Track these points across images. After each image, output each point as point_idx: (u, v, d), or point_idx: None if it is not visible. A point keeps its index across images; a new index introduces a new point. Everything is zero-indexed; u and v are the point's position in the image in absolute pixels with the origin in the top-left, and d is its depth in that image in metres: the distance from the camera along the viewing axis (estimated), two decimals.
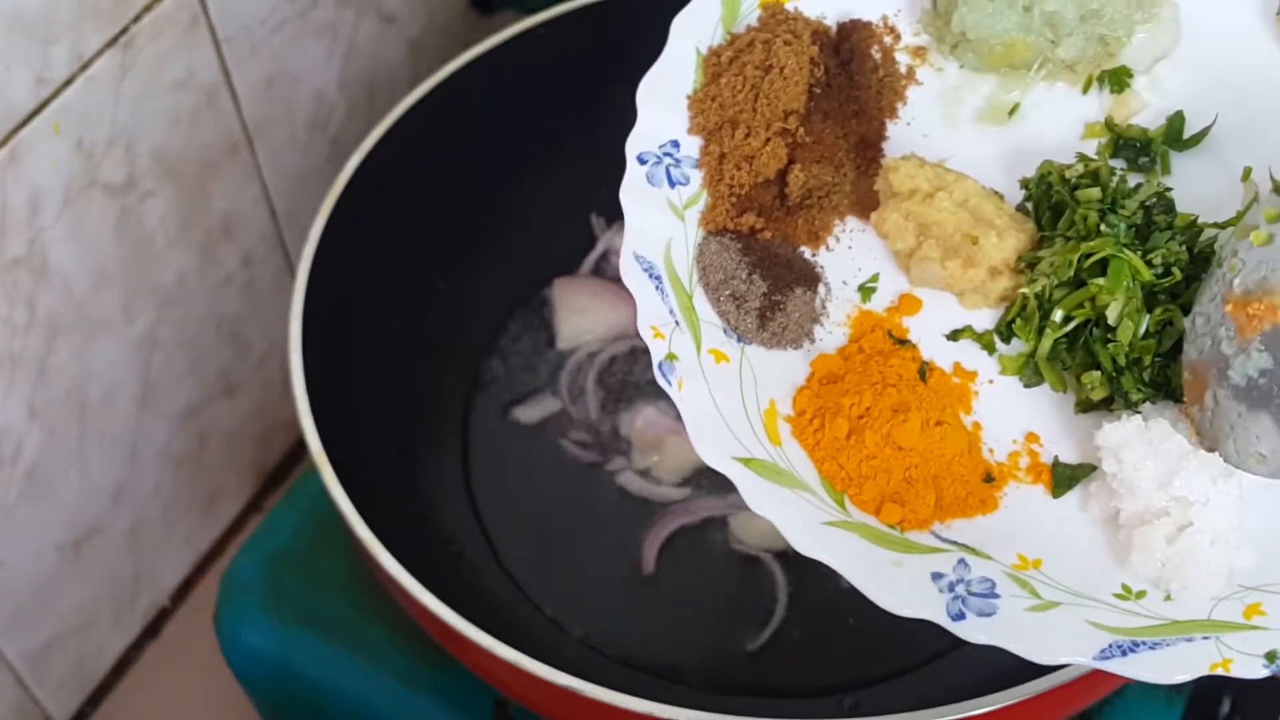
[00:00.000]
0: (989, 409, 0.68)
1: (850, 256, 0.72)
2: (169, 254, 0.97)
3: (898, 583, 0.61)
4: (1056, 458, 0.67)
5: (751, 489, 0.62)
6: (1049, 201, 0.71)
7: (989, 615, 0.60)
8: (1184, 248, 0.67)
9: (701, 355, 0.66)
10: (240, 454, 1.16)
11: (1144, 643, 0.60)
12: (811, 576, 0.89)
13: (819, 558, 0.61)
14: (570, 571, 0.92)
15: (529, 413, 0.98)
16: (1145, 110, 0.75)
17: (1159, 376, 0.66)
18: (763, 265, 0.68)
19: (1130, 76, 0.75)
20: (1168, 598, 0.62)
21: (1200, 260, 0.67)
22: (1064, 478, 0.66)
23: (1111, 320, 0.66)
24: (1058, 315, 0.67)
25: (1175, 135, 0.74)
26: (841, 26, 0.75)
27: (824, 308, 0.70)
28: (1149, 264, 0.66)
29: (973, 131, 0.76)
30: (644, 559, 0.91)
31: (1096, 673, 0.62)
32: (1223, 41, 0.76)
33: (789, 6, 0.74)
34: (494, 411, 0.99)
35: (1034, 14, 0.73)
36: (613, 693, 0.70)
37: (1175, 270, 0.66)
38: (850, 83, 0.74)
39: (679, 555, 0.92)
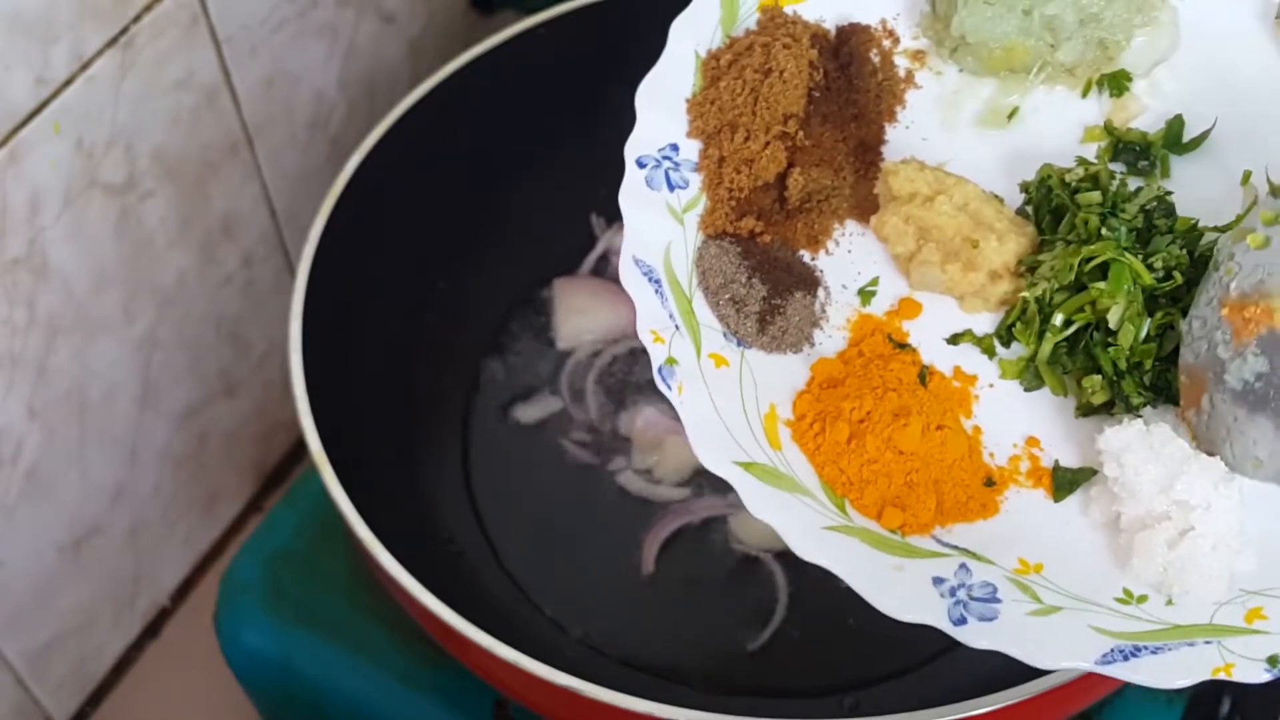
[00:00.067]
0: (989, 413, 0.68)
1: (850, 260, 0.72)
2: (169, 254, 0.97)
3: (899, 588, 0.61)
4: (1057, 462, 0.67)
5: (752, 493, 0.62)
6: (1049, 205, 0.71)
7: (990, 620, 0.60)
8: (1185, 251, 0.67)
9: (701, 359, 0.66)
10: (240, 454, 1.16)
11: (1146, 647, 0.60)
12: (812, 576, 0.88)
13: (820, 563, 0.61)
14: (570, 571, 0.92)
15: (529, 413, 0.98)
16: (1145, 114, 0.75)
17: (1160, 380, 0.66)
18: (762, 269, 0.68)
19: (1129, 80, 0.75)
20: (1169, 602, 0.62)
21: (1201, 264, 0.67)
22: (1065, 482, 0.66)
23: (1113, 324, 0.66)
24: (1058, 319, 0.67)
25: (1175, 139, 0.74)
26: (840, 30, 0.75)
27: (824, 312, 0.70)
28: (1150, 268, 0.66)
29: (972, 135, 0.75)
30: (644, 559, 0.91)
31: (1096, 674, 0.62)
32: (1222, 45, 0.76)
33: (788, 10, 0.74)
34: (494, 411, 0.99)
35: (1033, 18, 0.73)
36: (613, 693, 0.70)
37: (1176, 274, 0.66)
38: (849, 86, 0.74)
39: (679, 555, 0.92)
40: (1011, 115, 0.76)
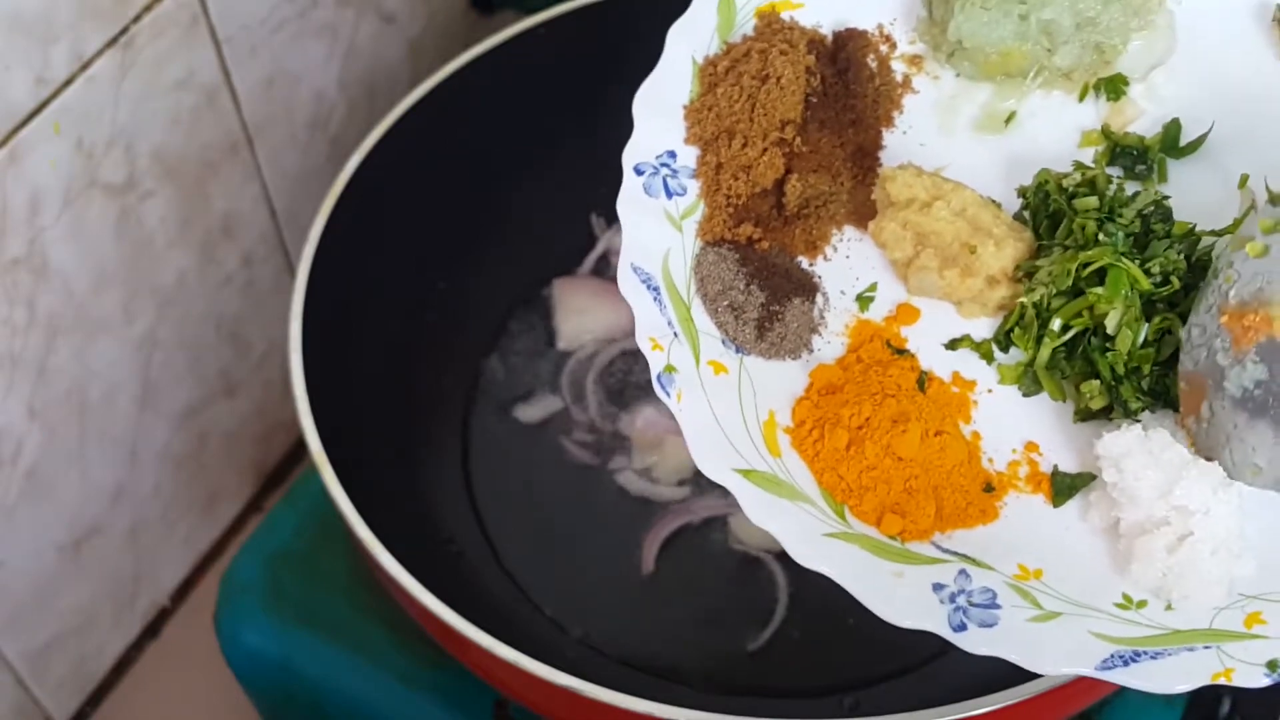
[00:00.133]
0: (988, 418, 0.68)
1: (848, 266, 0.72)
2: (169, 254, 0.97)
3: (899, 594, 0.61)
4: (1056, 467, 0.67)
5: (751, 500, 0.62)
6: (1047, 210, 0.71)
7: (990, 626, 0.60)
8: (1182, 256, 0.67)
9: (700, 367, 0.66)
10: (240, 454, 1.16)
11: (1146, 653, 0.60)
12: (812, 577, 0.88)
13: (820, 570, 0.61)
14: (570, 571, 0.92)
15: (529, 413, 0.98)
16: (1142, 118, 0.75)
17: (1158, 385, 0.66)
18: (760, 275, 0.68)
19: (1126, 84, 0.75)
20: (1169, 607, 0.62)
21: (1198, 268, 0.67)
22: (1064, 487, 0.66)
23: (1110, 329, 0.66)
24: (1056, 324, 0.67)
25: (1172, 143, 0.74)
26: (837, 35, 0.75)
27: (822, 318, 0.70)
28: (1147, 273, 0.66)
29: (969, 140, 0.75)
30: (644, 559, 0.91)
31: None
32: (1219, 49, 0.76)
33: (784, 16, 0.74)
34: (494, 411, 0.99)
35: (1030, 22, 0.73)
36: (613, 693, 0.70)
37: (1174, 279, 0.66)
38: (846, 92, 0.74)
39: (679, 555, 0.92)
40: (1008, 120, 0.76)
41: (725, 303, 0.67)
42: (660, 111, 0.71)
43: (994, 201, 0.72)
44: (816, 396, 0.67)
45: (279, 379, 1.15)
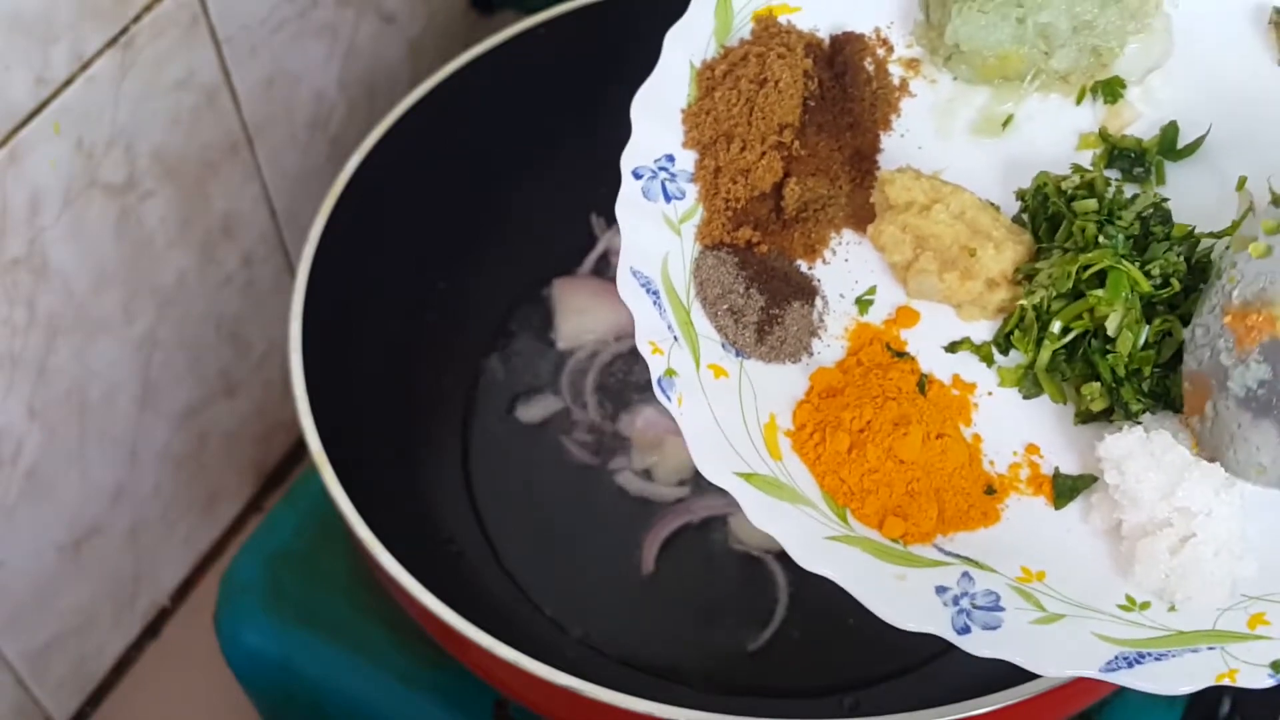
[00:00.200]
0: (988, 421, 0.68)
1: (847, 269, 0.72)
2: (169, 254, 0.97)
3: (902, 597, 0.61)
4: (1057, 469, 0.67)
5: (753, 504, 0.62)
6: (1046, 213, 0.71)
7: (994, 629, 0.60)
8: (1182, 258, 0.67)
9: (700, 370, 0.66)
10: (240, 454, 1.16)
11: (1149, 654, 0.60)
12: (812, 577, 0.89)
13: (823, 573, 0.61)
14: (570, 571, 0.92)
15: (529, 413, 0.98)
16: (1139, 120, 0.75)
17: (1158, 387, 0.66)
18: (760, 279, 0.68)
19: (1123, 87, 0.75)
20: (1172, 609, 0.62)
21: (1198, 270, 0.67)
22: (1065, 489, 0.66)
23: (1111, 331, 0.66)
24: (1056, 326, 0.67)
25: (1169, 145, 0.74)
26: (834, 39, 0.75)
27: (822, 321, 0.70)
28: (1147, 275, 0.66)
29: (967, 143, 0.76)
30: (644, 559, 0.91)
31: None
32: (1216, 51, 0.76)
33: (782, 19, 0.74)
34: (494, 411, 0.99)
35: (1027, 25, 0.73)
36: (613, 693, 0.70)
37: (1174, 281, 0.66)
38: (844, 95, 0.74)
39: (679, 555, 0.92)
40: (1006, 123, 0.76)
41: (725, 306, 0.67)
42: (658, 115, 0.71)
43: (993, 204, 0.72)
44: (817, 399, 0.67)
45: (279, 379, 1.15)
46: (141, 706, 1.09)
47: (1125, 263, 0.66)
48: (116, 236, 0.92)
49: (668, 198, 0.70)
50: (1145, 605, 0.62)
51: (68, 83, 0.83)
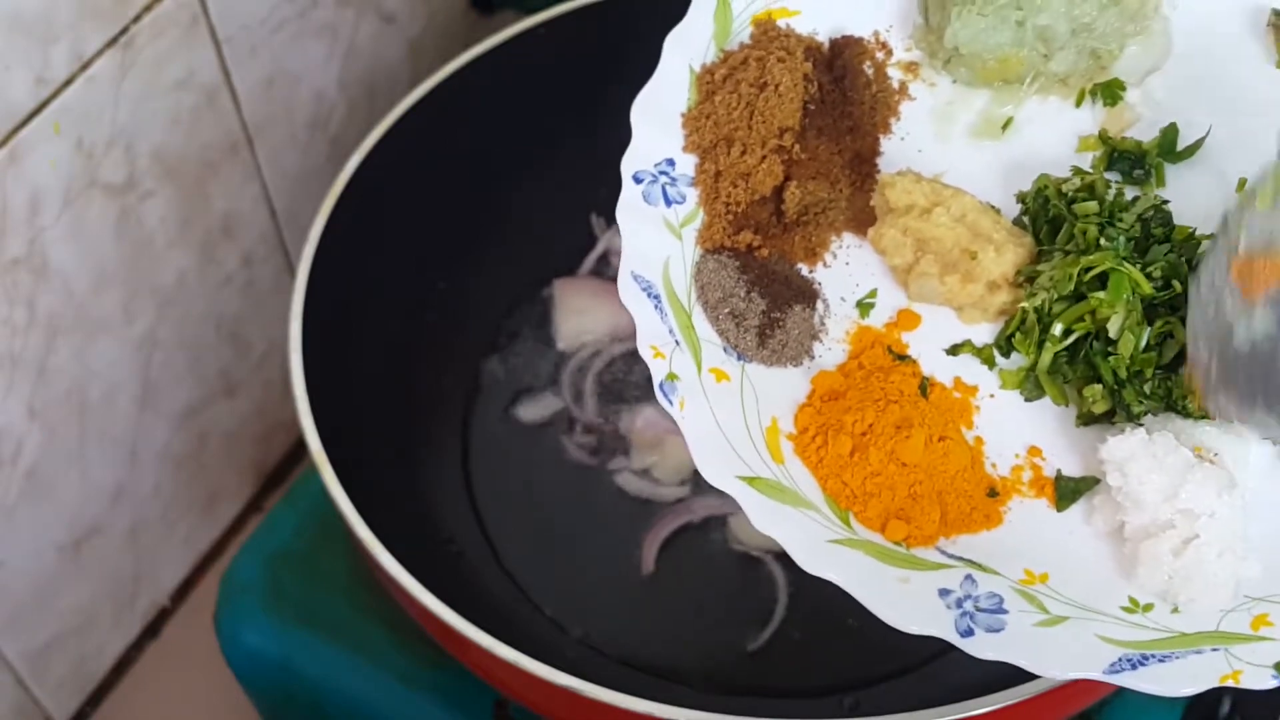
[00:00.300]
0: (990, 423, 0.68)
1: (848, 272, 0.72)
2: (169, 254, 0.97)
3: (905, 600, 0.61)
4: (1059, 471, 0.67)
5: (756, 508, 0.62)
6: (1046, 215, 0.71)
7: (998, 631, 0.60)
8: (1183, 260, 0.67)
9: (702, 374, 0.66)
10: (240, 454, 1.16)
11: (1153, 656, 0.60)
12: (812, 577, 0.89)
13: (826, 576, 0.61)
14: (570, 571, 0.92)
15: (529, 412, 0.98)
16: (1138, 123, 0.75)
17: (1160, 389, 0.66)
18: (761, 283, 0.68)
19: (1123, 89, 0.75)
20: (1175, 610, 0.62)
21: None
22: (1068, 491, 0.66)
23: (1113, 333, 0.66)
24: (1057, 329, 0.67)
25: (1169, 147, 0.74)
26: (834, 43, 0.75)
27: (823, 324, 0.70)
28: (1149, 277, 0.66)
29: (967, 146, 0.76)
30: (644, 559, 0.91)
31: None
32: (1214, 53, 0.76)
33: (781, 23, 0.74)
34: (494, 411, 0.99)
35: (1026, 28, 0.73)
36: (613, 693, 0.70)
37: (1175, 283, 0.66)
38: (844, 99, 0.74)
39: (679, 555, 0.92)
40: (1006, 126, 0.76)
41: (726, 310, 0.67)
42: (658, 119, 0.71)
43: (993, 207, 0.72)
44: (819, 403, 0.67)
45: (279, 379, 1.15)
46: (141, 706, 1.09)
47: (1127, 265, 0.66)
48: (116, 236, 0.92)
49: (668, 202, 0.70)
50: (1148, 607, 0.62)
51: (68, 83, 0.83)
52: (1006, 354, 0.70)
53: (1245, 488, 0.63)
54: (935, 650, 0.87)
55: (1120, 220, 0.69)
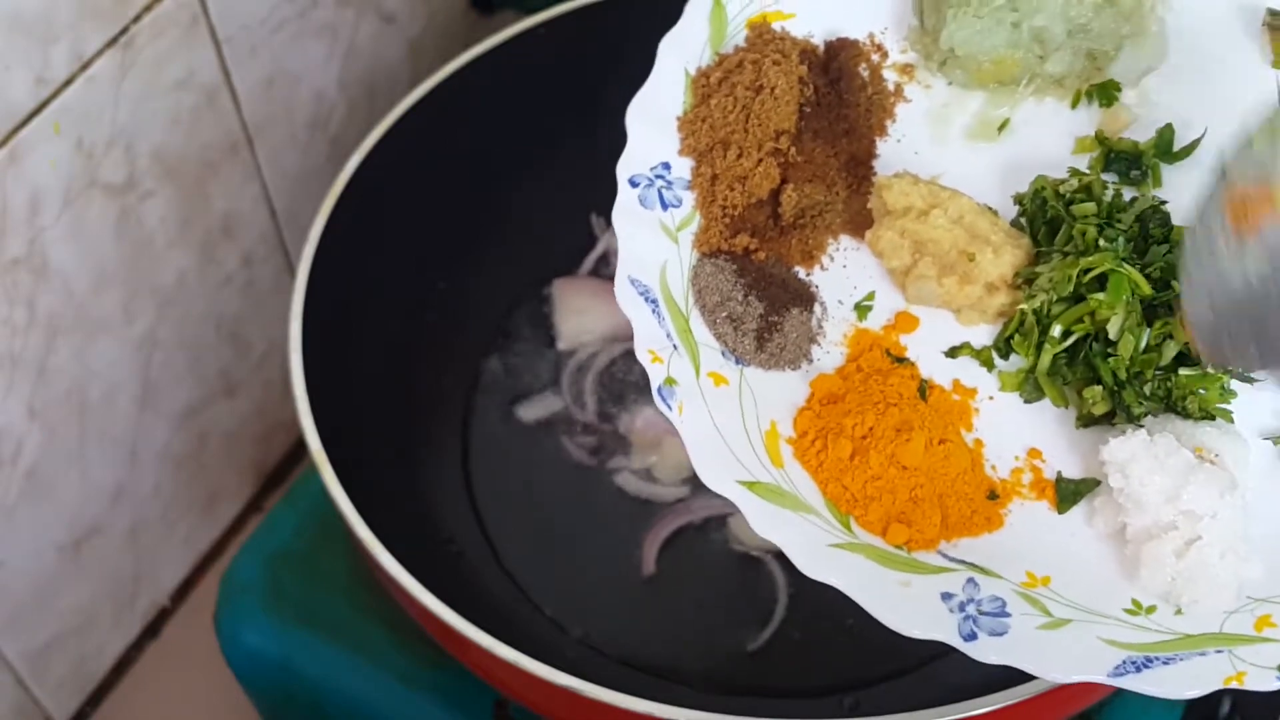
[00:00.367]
0: (990, 425, 0.68)
1: (845, 275, 0.72)
2: (169, 254, 0.97)
3: (907, 604, 0.61)
4: (1060, 473, 0.67)
5: (756, 512, 0.62)
6: (1044, 216, 0.71)
7: (1001, 635, 0.60)
8: None
9: (700, 378, 0.66)
10: (240, 454, 1.16)
11: (1157, 658, 0.60)
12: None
13: (827, 581, 0.60)
14: (570, 571, 0.92)
15: (529, 413, 0.98)
16: (1135, 123, 0.75)
17: (1160, 389, 0.66)
18: (758, 286, 0.68)
19: (1118, 90, 0.75)
20: (1178, 612, 0.62)
21: None
22: (1068, 493, 0.66)
23: (1112, 335, 0.66)
24: (1056, 330, 0.67)
25: (1165, 148, 0.74)
26: (829, 45, 0.75)
27: (821, 327, 0.70)
28: (1148, 277, 0.66)
29: (963, 148, 0.76)
30: (644, 559, 0.91)
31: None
32: (1210, 54, 0.76)
33: (776, 26, 0.74)
34: (494, 411, 0.99)
35: (1022, 30, 0.74)
36: (613, 693, 0.70)
37: (1174, 283, 0.66)
38: (839, 101, 0.74)
39: (679, 555, 0.92)
40: (1002, 127, 0.76)
41: (724, 314, 0.67)
42: (654, 123, 0.70)
43: (990, 209, 0.72)
44: (818, 406, 0.67)
45: (279, 379, 1.15)
46: (141, 706, 1.09)
47: (1126, 266, 0.66)
48: (116, 236, 0.92)
49: (664, 205, 0.70)
50: (1151, 609, 0.62)
51: (68, 83, 0.82)
52: (1005, 356, 0.70)
53: (1246, 488, 0.63)
54: (935, 650, 0.86)
55: (1119, 221, 0.69)
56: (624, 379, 0.99)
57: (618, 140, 0.70)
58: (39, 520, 0.95)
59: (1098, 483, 0.66)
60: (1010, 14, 0.73)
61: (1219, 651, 0.60)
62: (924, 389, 0.68)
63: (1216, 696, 0.85)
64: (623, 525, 0.93)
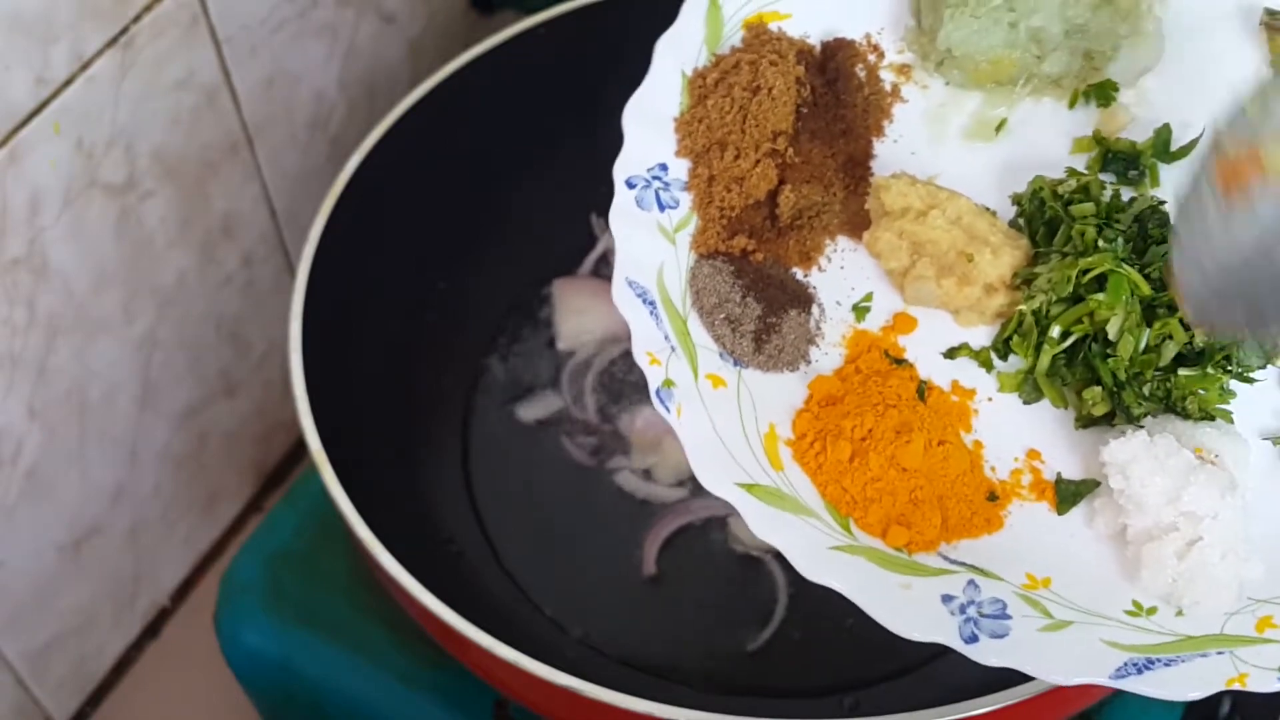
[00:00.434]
0: (989, 426, 0.68)
1: (842, 276, 0.72)
2: (169, 254, 0.97)
3: (908, 606, 0.61)
4: (1059, 474, 0.67)
5: (755, 515, 0.62)
6: (1043, 217, 0.71)
7: (1002, 637, 0.60)
8: None
9: (699, 380, 0.65)
10: (240, 454, 1.16)
11: (1159, 660, 0.60)
12: None
13: (827, 584, 0.60)
14: (570, 571, 0.92)
15: (529, 413, 0.98)
16: (1132, 123, 0.75)
17: (1160, 390, 0.66)
18: (756, 287, 0.68)
19: (1116, 90, 0.75)
20: (1179, 613, 0.62)
21: None
22: (1068, 494, 0.66)
23: (1112, 335, 0.66)
24: (1055, 331, 0.67)
25: (1163, 147, 0.74)
26: (825, 45, 0.75)
27: (819, 329, 0.70)
28: (1147, 278, 0.66)
29: (960, 148, 0.76)
30: (644, 559, 0.91)
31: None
32: (1207, 53, 0.76)
33: (772, 26, 0.74)
34: (494, 411, 0.99)
35: (1020, 30, 0.74)
36: (613, 693, 0.70)
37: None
38: (836, 102, 0.74)
39: (679, 555, 0.92)
40: (999, 127, 0.76)
41: (722, 315, 0.67)
42: (650, 124, 0.70)
43: (989, 209, 0.72)
44: (817, 408, 0.67)
45: (279, 379, 1.15)
46: (141, 706, 1.09)
47: (1125, 266, 0.66)
48: (116, 236, 0.92)
49: (661, 207, 0.69)
50: (1152, 610, 0.62)
51: (68, 83, 0.82)
52: (1004, 357, 0.70)
53: (1245, 488, 0.63)
54: (935, 650, 0.86)
55: (1117, 221, 0.69)
56: (624, 379, 0.99)
57: (618, 140, 0.70)
58: (39, 520, 0.95)
59: (1097, 484, 0.66)
60: (1007, 14, 0.73)
61: (1221, 653, 0.60)
62: (923, 390, 0.68)
63: (1216, 697, 0.84)
64: (623, 525, 0.93)
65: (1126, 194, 0.72)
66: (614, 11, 0.96)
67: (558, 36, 0.96)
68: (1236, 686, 0.59)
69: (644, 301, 0.66)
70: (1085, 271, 0.67)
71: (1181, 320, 0.65)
